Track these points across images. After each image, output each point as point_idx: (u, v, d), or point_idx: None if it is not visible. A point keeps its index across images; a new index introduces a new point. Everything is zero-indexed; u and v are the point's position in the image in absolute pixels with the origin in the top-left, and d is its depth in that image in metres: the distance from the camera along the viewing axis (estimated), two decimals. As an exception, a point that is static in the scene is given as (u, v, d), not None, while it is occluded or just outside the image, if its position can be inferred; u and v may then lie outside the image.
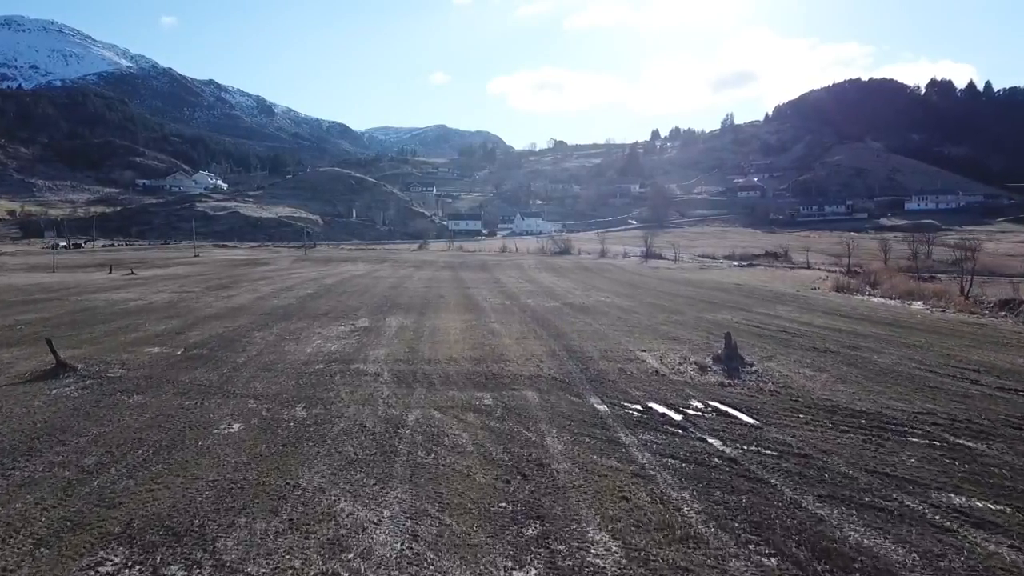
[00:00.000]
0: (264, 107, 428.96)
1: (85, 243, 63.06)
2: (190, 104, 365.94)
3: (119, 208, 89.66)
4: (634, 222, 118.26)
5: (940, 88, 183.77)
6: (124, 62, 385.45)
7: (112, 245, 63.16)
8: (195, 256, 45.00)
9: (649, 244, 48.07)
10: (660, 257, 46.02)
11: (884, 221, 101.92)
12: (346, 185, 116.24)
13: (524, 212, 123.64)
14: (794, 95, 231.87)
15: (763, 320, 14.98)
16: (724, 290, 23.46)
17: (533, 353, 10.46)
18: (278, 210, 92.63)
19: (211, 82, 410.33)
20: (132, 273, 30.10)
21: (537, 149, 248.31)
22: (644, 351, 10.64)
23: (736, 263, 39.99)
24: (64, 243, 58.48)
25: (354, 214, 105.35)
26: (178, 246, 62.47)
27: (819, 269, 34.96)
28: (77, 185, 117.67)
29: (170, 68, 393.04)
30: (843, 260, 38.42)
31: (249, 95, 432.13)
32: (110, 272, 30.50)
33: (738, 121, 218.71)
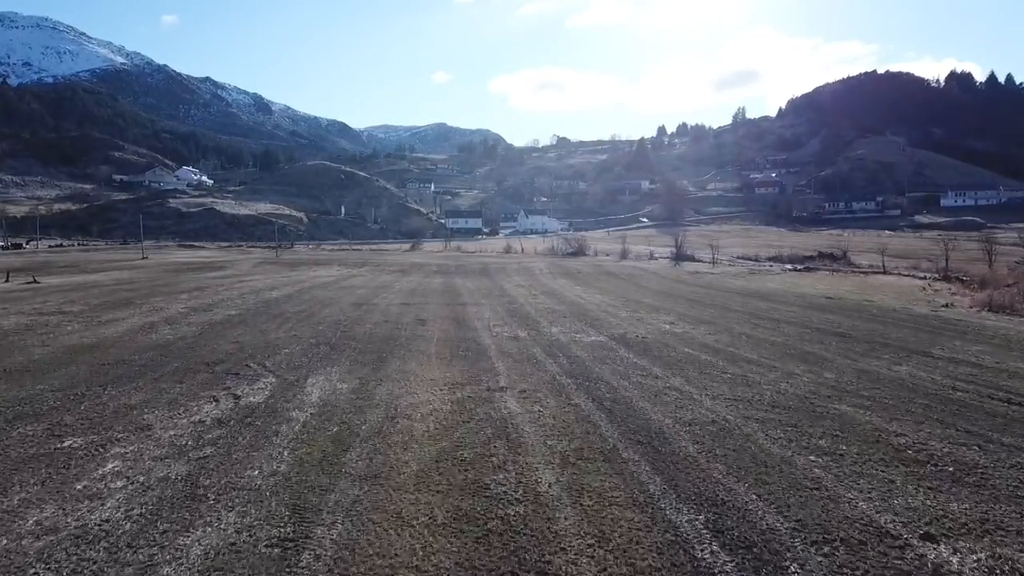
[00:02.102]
0: (261, 105, 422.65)
1: (28, 243, 56.46)
2: (185, 101, 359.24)
3: (85, 205, 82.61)
4: (646, 220, 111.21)
5: (960, 81, 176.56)
6: (119, 59, 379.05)
7: (61, 245, 56.59)
8: (142, 258, 38.45)
9: (680, 244, 41.34)
10: (693, 259, 39.30)
11: (920, 219, 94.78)
12: (335, 180, 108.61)
13: (528, 210, 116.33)
14: (798, 94, 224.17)
15: (990, 380, 8.26)
16: (824, 308, 16.77)
17: (629, 551, 3.76)
18: (258, 207, 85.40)
19: (207, 79, 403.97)
20: (34, 281, 23.51)
21: (540, 145, 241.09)
22: (935, 530, 3.92)
23: (789, 266, 33.30)
24: (2, 243, 51.91)
25: (342, 211, 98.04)
26: (139, 246, 55.96)
27: (901, 274, 28.27)
28: (48, 181, 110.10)
29: (165, 65, 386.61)
30: (923, 263, 31.78)
31: (246, 93, 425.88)
32: (6, 280, 23.87)
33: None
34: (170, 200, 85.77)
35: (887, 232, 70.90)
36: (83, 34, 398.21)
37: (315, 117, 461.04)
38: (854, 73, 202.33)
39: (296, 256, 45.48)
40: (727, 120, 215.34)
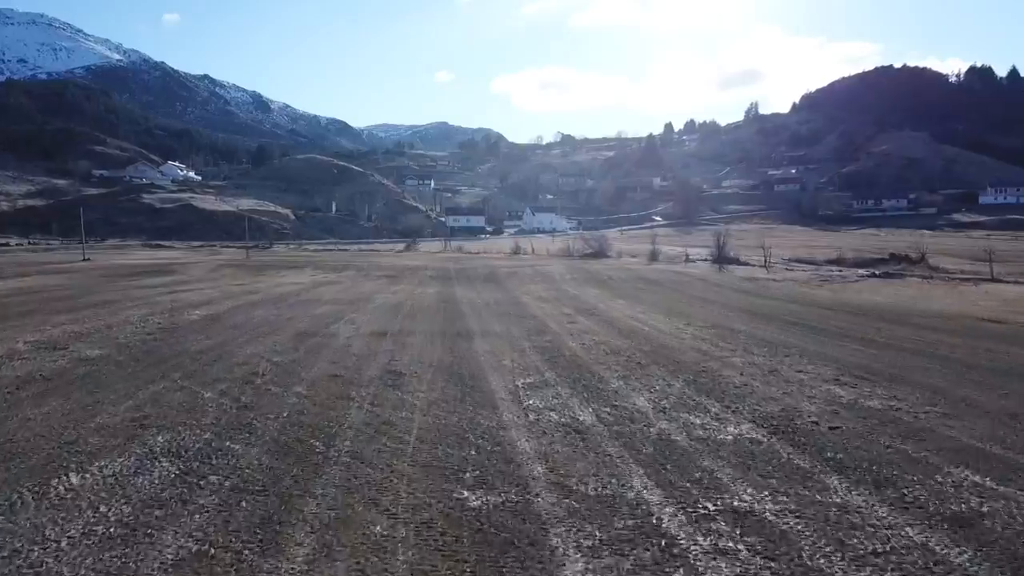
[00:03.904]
0: (260, 103, 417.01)
1: (-33, 243, 50.97)
2: (183, 99, 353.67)
3: (51, 201, 76.26)
4: (659, 218, 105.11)
5: (981, 75, 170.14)
6: (115, 56, 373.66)
7: (7, 245, 51.01)
8: (83, 260, 32.72)
9: (722, 244, 35.45)
10: (738, 262, 33.44)
11: (959, 217, 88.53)
12: (327, 175, 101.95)
13: (534, 207, 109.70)
14: (812, 89, 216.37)
15: None
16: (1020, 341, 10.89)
17: None
18: (241, 203, 79.02)
19: (206, 77, 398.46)
20: None
21: (544, 143, 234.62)
22: None
23: (862, 271, 27.45)
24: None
25: (333, 207, 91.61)
26: (99, 246, 50.50)
27: (1015, 282, 22.46)
28: (20, 176, 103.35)
29: (162, 62, 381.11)
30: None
31: (245, 90, 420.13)
32: None
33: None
34: (144, 195, 79.51)
35: (926, 232, 64.97)
36: (80, 31, 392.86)
37: (315, 116, 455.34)
38: (868, 69, 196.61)
39: (271, 257, 39.70)
40: (731, 119, 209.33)
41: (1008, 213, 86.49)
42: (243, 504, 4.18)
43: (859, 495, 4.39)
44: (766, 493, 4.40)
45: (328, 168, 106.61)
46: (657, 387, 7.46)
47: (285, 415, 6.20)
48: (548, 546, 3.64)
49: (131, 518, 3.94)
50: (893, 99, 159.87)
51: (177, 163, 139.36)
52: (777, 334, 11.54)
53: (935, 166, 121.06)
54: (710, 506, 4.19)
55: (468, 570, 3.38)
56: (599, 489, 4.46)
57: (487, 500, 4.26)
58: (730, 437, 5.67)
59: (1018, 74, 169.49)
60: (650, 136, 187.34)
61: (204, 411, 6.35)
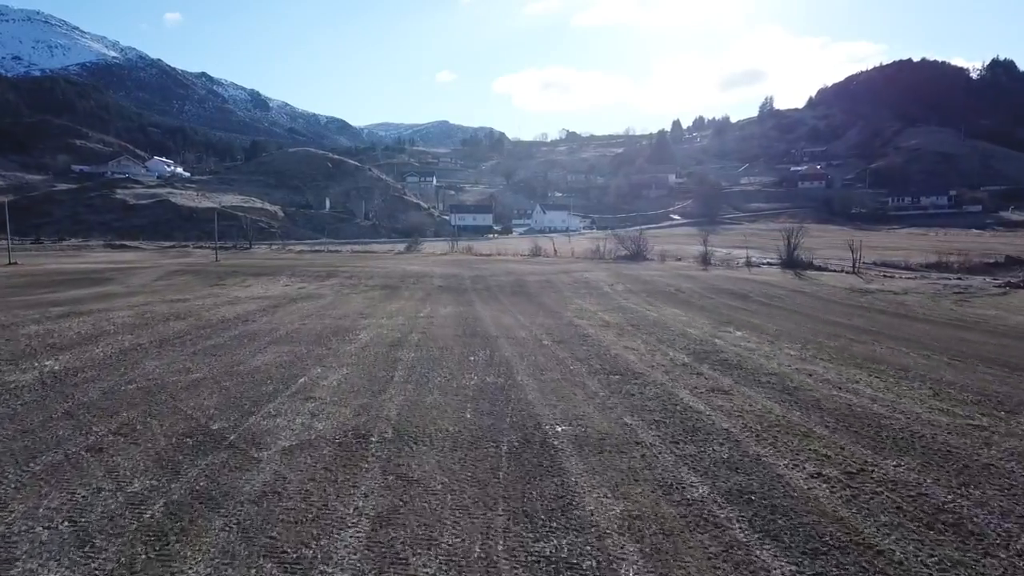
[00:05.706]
0: (259, 101, 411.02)
1: None
2: (179, 97, 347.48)
3: (18, 197, 69.80)
4: (678, 217, 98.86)
5: (1006, 69, 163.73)
6: (111, 53, 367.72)
7: (-58, 246, 45.02)
8: (8, 264, 26.70)
9: (794, 247, 29.34)
10: (812, 266, 27.32)
11: (1008, 215, 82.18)
12: (321, 169, 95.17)
13: (545, 205, 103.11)
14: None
15: None
16: None
17: None
18: (225, 199, 72.51)
19: (203, 75, 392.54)
20: None
21: (549, 139, 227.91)
22: None
23: (990, 279, 21.44)
24: None
25: (327, 204, 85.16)
26: (54, 246, 44.59)
27: None
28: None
29: (159, 59, 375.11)
30: None
31: (243, 88, 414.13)
32: None
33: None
34: (118, 191, 73.07)
35: (983, 232, 59.07)
36: (76, 28, 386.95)
37: (314, 114, 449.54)
38: (886, 63, 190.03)
39: (245, 260, 33.59)
40: (735, 119, 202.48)
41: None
42: None
43: None
44: None
45: (322, 162, 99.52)
46: None
47: None
48: None
49: None
50: (913, 94, 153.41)
51: (164, 159, 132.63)
52: None
53: (972, 162, 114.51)
54: None
55: None
56: None
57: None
58: None
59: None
60: (661, 132, 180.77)
61: None
